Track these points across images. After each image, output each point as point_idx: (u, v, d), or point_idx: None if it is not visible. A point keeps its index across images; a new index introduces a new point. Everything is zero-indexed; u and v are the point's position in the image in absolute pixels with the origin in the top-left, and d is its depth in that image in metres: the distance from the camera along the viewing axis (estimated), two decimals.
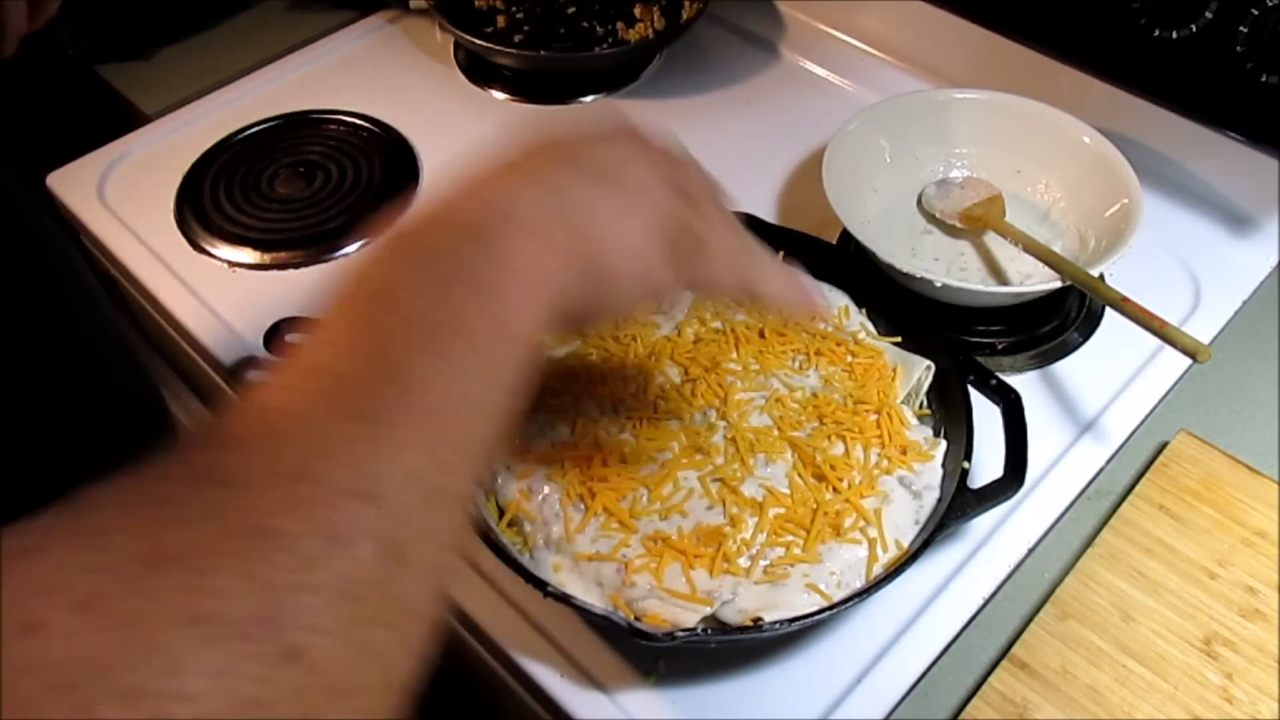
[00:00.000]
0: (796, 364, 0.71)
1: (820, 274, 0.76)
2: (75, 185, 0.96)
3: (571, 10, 1.13)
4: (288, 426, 0.31)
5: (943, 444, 0.66)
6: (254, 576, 0.27)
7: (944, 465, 0.65)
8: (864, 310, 0.75)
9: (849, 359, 0.71)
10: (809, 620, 0.56)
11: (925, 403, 0.71)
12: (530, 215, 0.39)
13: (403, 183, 0.96)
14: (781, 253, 0.76)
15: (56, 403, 0.59)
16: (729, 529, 0.61)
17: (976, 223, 0.86)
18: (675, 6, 1.12)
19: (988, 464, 0.64)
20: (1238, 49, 0.80)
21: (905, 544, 0.62)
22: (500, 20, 1.11)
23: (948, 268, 0.84)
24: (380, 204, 0.93)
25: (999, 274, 0.83)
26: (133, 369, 0.65)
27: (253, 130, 1.01)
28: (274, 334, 0.70)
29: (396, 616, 0.31)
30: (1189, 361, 0.69)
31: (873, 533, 0.61)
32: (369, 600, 0.29)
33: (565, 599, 0.57)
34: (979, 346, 0.79)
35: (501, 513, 0.64)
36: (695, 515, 0.62)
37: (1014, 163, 0.89)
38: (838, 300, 0.75)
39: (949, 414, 0.68)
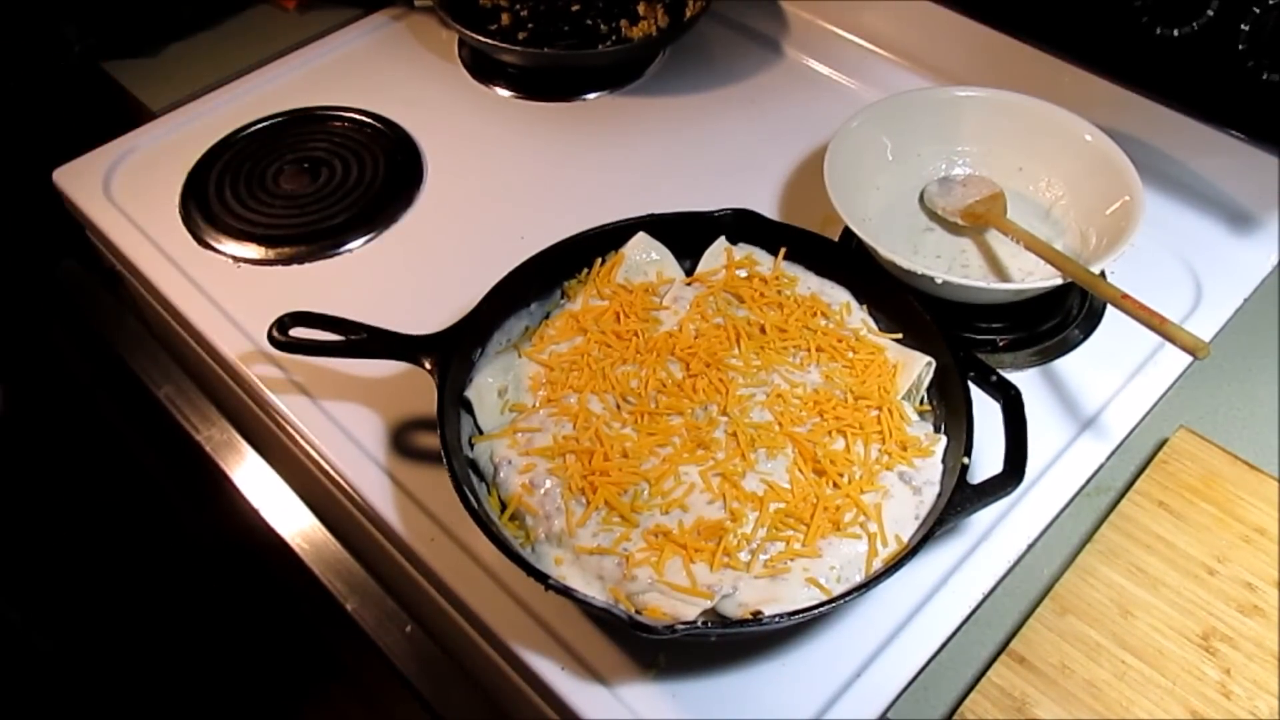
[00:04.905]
0: (798, 360, 0.71)
1: (822, 270, 0.77)
2: (81, 181, 0.96)
3: (576, 8, 1.13)
4: None
5: (943, 440, 0.67)
6: None
7: (944, 461, 0.66)
8: (865, 307, 0.75)
9: (850, 355, 0.71)
10: (809, 614, 0.57)
11: (926, 399, 0.71)
12: None
13: (407, 179, 0.96)
14: (783, 250, 0.77)
15: None
16: (729, 523, 0.61)
17: (978, 220, 0.86)
18: (679, 4, 1.12)
19: (988, 460, 0.64)
20: (1239, 47, 0.80)
21: (905, 539, 0.62)
22: (504, 18, 1.12)
23: (949, 265, 0.84)
24: (384, 200, 0.94)
25: (1000, 271, 0.83)
26: None
27: (258, 126, 1.02)
28: (279, 329, 0.70)
29: None
30: (1189, 359, 0.70)
31: (873, 527, 0.62)
32: None
33: (567, 592, 0.57)
34: (980, 343, 0.80)
35: (503, 506, 0.64)
36: (696, 510, 0.62)
37: (1016, 160, 0.89)
38: (839, 297, 0.75)
39: (949, 410, 0.69)
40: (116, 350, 0.98)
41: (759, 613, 0.58)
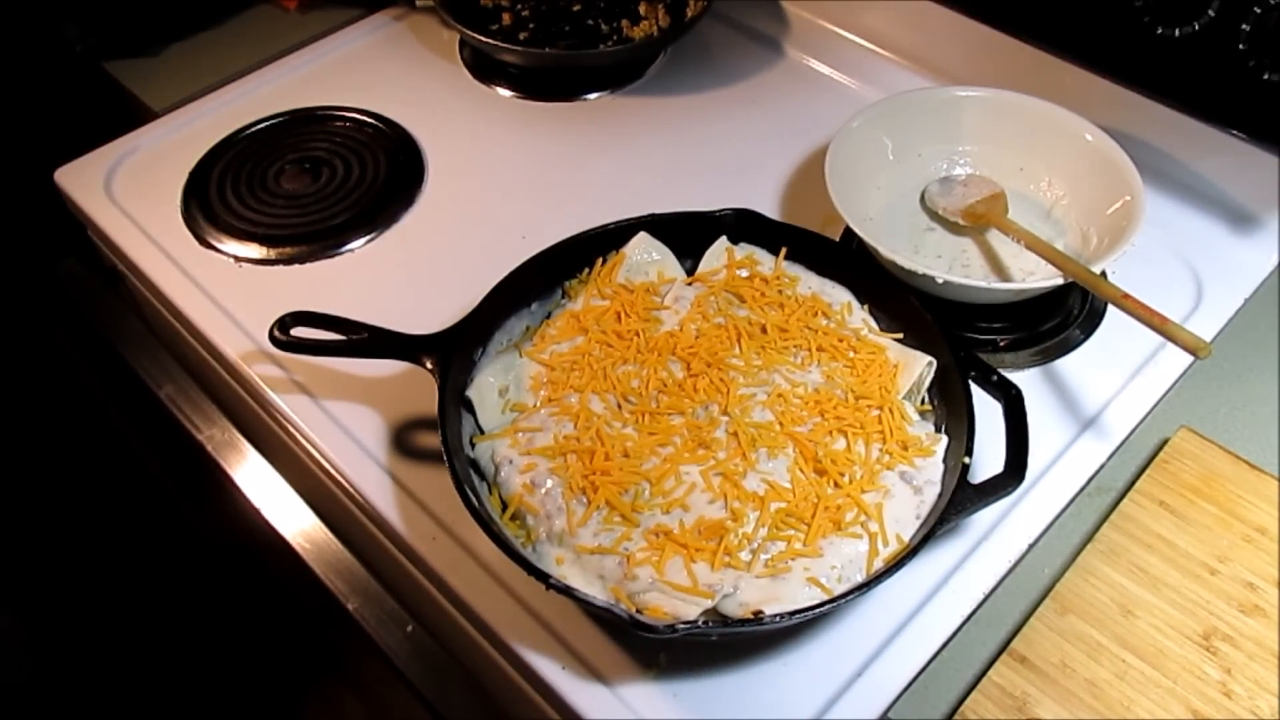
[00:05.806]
0: (799, 360, 0.71)
1: (823, 270, 0.77)
2: (83, 181, 0.96)
3: (577, 8, 1.13)
4: None
5: (944, 439, 0.67)
6: None
7: (945, 460, 0.66)
8: (866, 306, 0.75)
9: (851, 355, 0.71)
10: (809, 614, 0.57)
11: (927, 398, 0.71)
12: None
13: (408, 179, 0.96)
14: (784, 250, 0.77)
15: None
16: (730, 523, 0.61)
17: (979, 220, 0.86)
18: (680, 4, 1.12)
19: (989, 459, 0.64)
20: (1240, 47, 0.80)
21: (906, 538, 0.62)
22: (506, 18, 1.12)
23: (950, 265, 0.84)
24: (386, 200, 0.94)
25: (1001, 271, 0.83)
26: None
27: (259, 126, 1.02)
28: (280, 328, 0.71)
29: None
30: (1190, 358, 0.70)
31: (874, 527, 0.62)
32: None
33: (568, 592, 0.57)
34: (981, 343, 0.80)
35: (505, 506, 0.64)
36: (697, 509, 0.62)
37: (1017, 160, 0.89)
38: (840, 296, 0.75)
39: (950, 410, 0.69)
40: (117, 350, 0.98)
41: (760, 612, 0.58)
